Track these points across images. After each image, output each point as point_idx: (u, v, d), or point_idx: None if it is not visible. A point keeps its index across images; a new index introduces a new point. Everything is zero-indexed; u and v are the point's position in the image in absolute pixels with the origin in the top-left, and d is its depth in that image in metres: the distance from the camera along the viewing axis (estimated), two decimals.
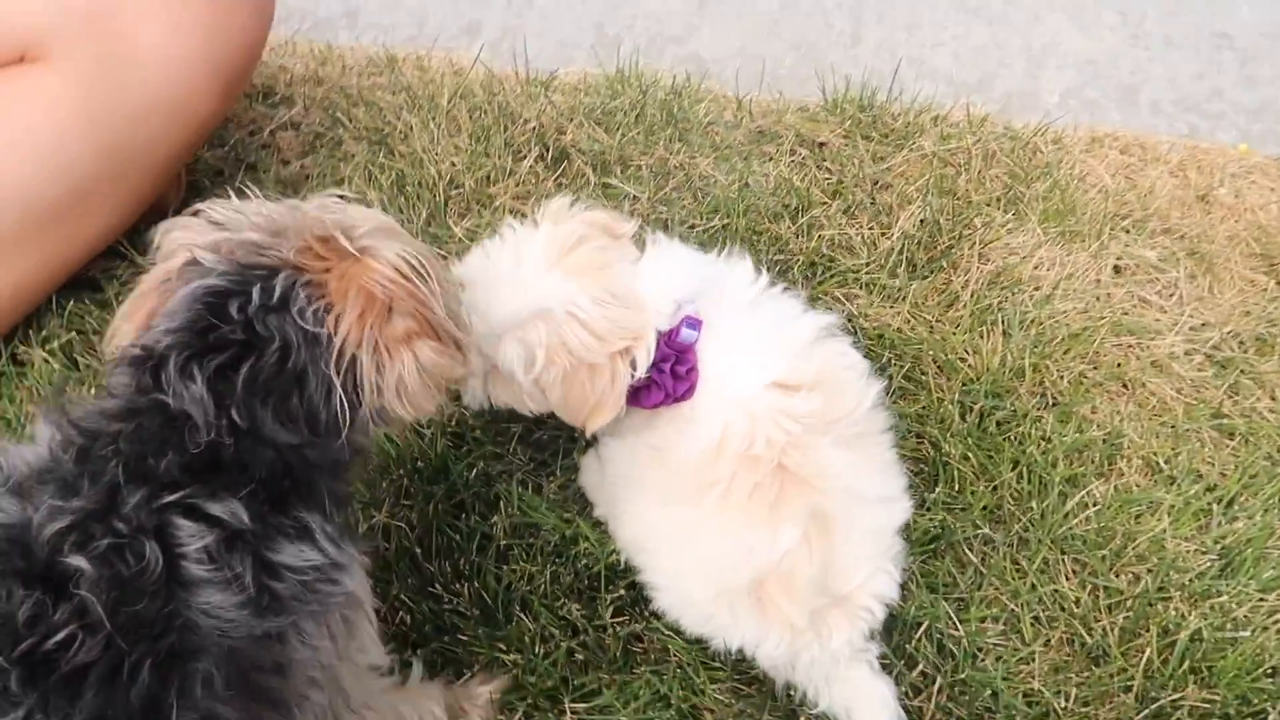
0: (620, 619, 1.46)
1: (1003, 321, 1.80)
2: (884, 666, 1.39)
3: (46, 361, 1.63)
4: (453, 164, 1.92)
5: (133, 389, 0.91)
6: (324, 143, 1.98)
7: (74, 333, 1.68)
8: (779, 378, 1.22)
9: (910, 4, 2.28)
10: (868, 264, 1.84)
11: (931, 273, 1.85)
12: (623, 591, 1.47)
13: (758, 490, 1.22)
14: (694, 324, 1.25)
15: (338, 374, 0.94)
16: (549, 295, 1.22)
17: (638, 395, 1.27)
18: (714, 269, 1.34)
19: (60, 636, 0.78)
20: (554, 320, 1.22)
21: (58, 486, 0.84)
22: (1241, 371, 1.79)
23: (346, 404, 0.94)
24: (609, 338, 1.22)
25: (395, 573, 1.48)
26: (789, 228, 1.87)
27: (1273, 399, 1.77)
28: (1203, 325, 1.84)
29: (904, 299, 1.80)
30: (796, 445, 1.21)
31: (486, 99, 2.03)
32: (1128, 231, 1.95)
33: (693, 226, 1.86)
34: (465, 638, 1.42)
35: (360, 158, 1.94)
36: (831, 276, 1.83)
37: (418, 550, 1.49)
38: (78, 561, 0.80)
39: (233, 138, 2.00)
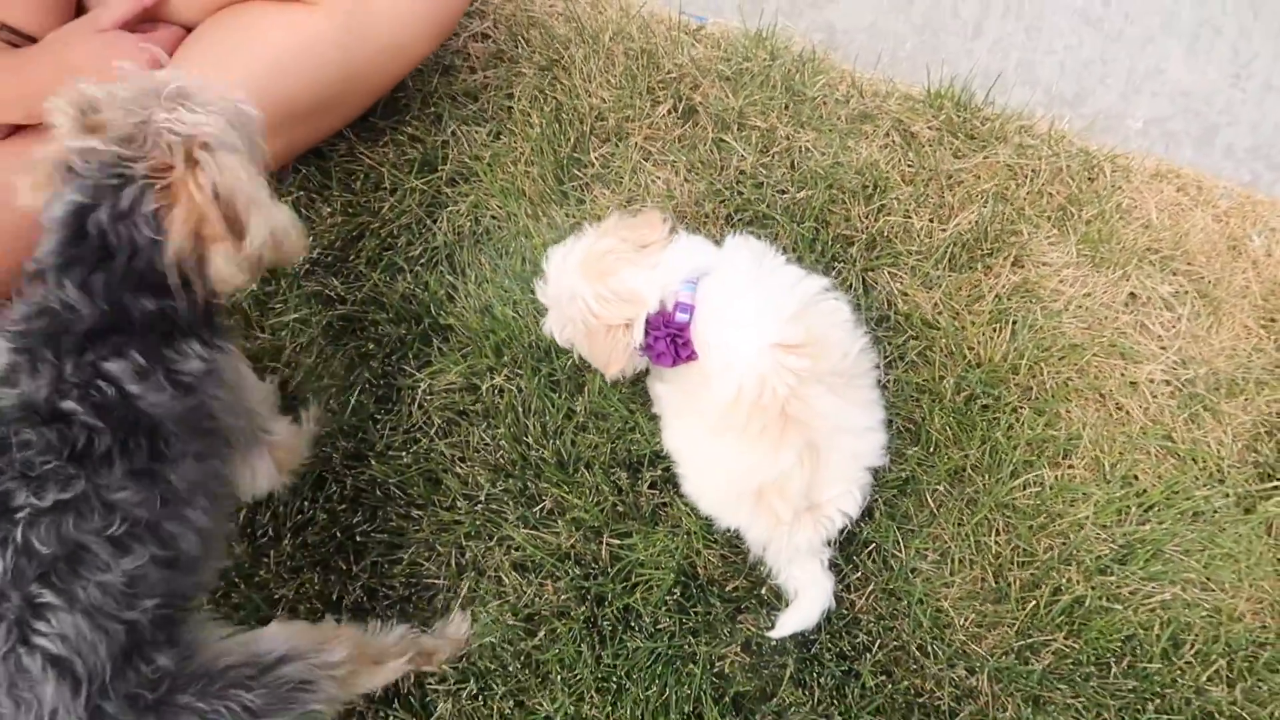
0: (654, 490, 2.02)
1: (1014, 323, 2.18)
2: (834, 567, 1.93)
3: None
4: (602, 99, 2.32)
5: (37, 295, 1.36)
6: (504, 59, 2.40)
7: None
8: (777, 340, 1.69)
9: (1039, 6, 2.47)
10: (918, 251, 2.21)
11: (969, 269, 2.21)
12: (660, 472, 2.02)
13: (765, 429, 1.72)
14: (685, 308, 1.75)
15: (172, 265, 1.37)
16: (571, 289, 1.80)
17: (657, 356, 1.79)
18: (715, 257, 1.82)
19: (83, 440, 1.28)
20: (573, 305, 1.80)
21: (28, 369, 1.32)
22: (1204, 406, 2.14)
23: (182, 285, 1.40)
24: (606, 319, 1.77)
25: (501, 420, 2.05)
26: (862, 207, 2.24)
27: (1224, 435, 2.13)
28: (1187, 360, 2.17)
29: (939, 287, 2.19)
30: (795, 395, 1.70)
31: (642, 41, 2.39)
32: (1153, 264, 2.24)
33: (783, 191, 2.25)
34: (544, 478, 2.00)
35: (529, 80, 2.35)
36: (885, 256, 2.21)
37: (519, 408, 2.06)
38: (69, 405, 1.29)
39: None
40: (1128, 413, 2.16)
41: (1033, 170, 2.30)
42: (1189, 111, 2.39)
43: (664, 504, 2.02)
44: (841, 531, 1.91)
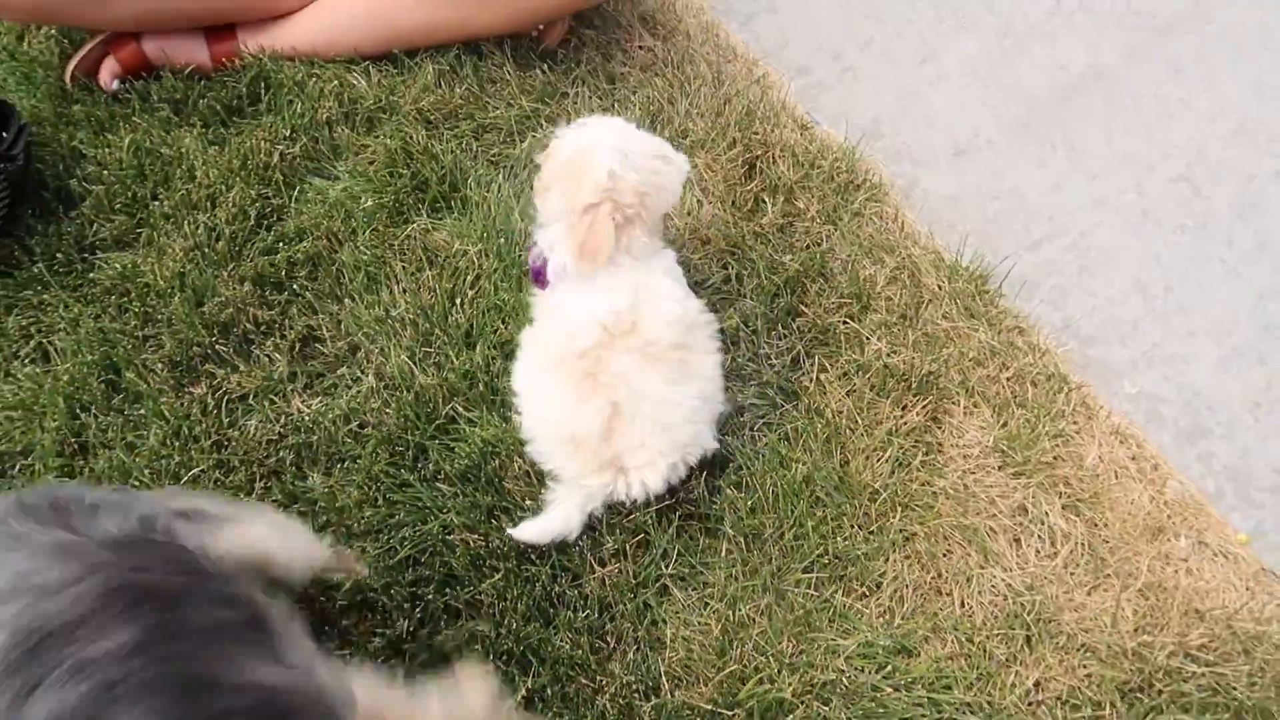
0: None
1: (897, 461, 2.20)
2: (592, 530, 2.02)
3: None
4: (694, 124, 2.69)
5: None
6: (655, 59, 2.86)
7: None
8: (606, 321, 1.93)
9: (1105, 256, 2.54)
10: (856, 360, 2.31)
11: (887, 395, 2.27)
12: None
13: (581, 383, 1.92)
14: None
15: None
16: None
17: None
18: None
19: None
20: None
21: None
22: (1026, 635, 2.02)
23: None
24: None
25: None
26: (834, 301, 2.39)
27: (1024, 674, 1.99)
28: (1035, 588, 2.07)
29: (855, 396, 2.27)
30: (599, 354, 1.90)
31: (755, 103, 2.75)
32: (1061, 495, 2.18)
33: (779, 252, 2.45)
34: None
35: (660, 82, 2.78)
36: (826, 345, 2.35)
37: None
38: None
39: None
40: (949, 595, 2.08)
41: (1002, 361, 2.35)
42: (1190, 407, 2.33)
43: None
44: (646, 505, 2.04)
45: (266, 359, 2.31)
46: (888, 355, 2.35)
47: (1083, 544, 2.15)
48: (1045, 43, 2.96)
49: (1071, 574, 2.12)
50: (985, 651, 2.02)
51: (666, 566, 2.08)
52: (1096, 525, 2.18)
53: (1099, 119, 2.80)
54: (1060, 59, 2.93)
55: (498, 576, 2.02)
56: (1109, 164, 2.72)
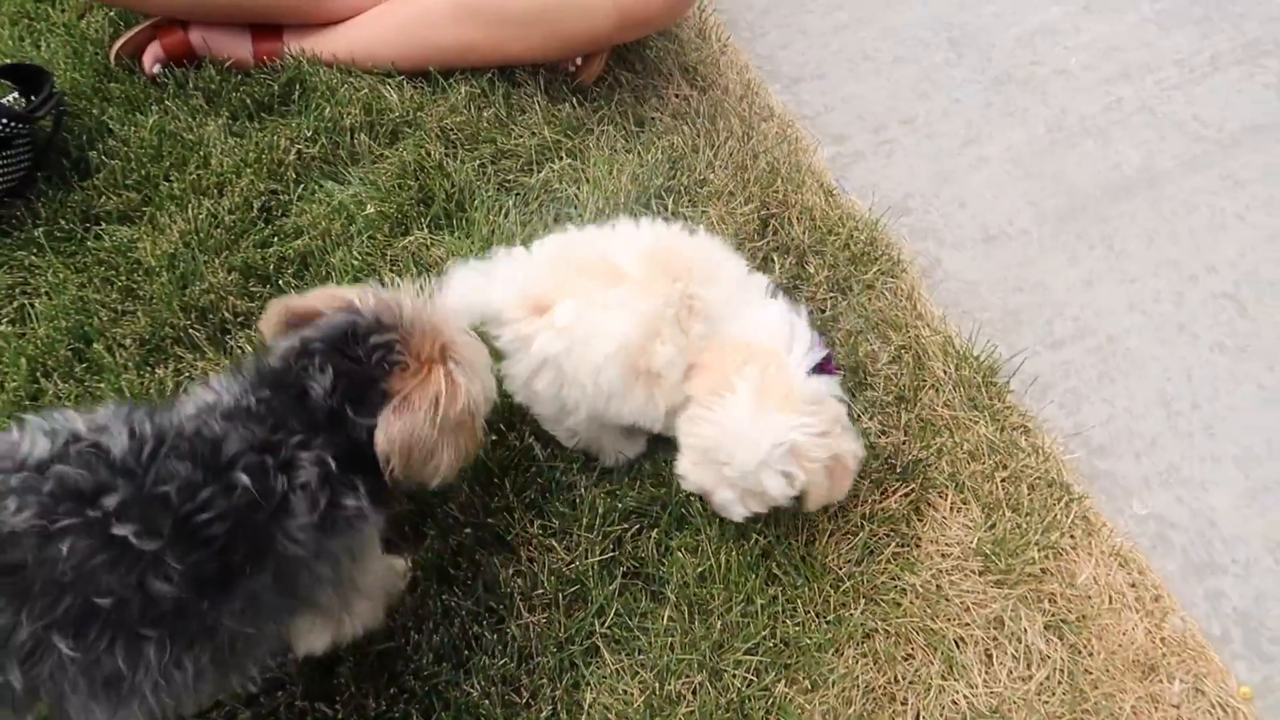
0: None
1: (869, 549, 2.03)
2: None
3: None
4: (714, 174, 2.61)
5: (288, 364, 1.46)
6: (687, 103, 2.81)
7: None
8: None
9: (1130, 365, 2.35)
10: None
11: (868, 479, 2.11)
12: None
13: None
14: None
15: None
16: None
17: None
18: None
19: (206, 515, 1.24)
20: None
21: (242, 420, 1.37)
22: None
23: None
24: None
25: None
26: None
27: None
28: (993, 708, 1.86)
29: None
30: None
31: (779, 160, 2.66)
32: (1044, 613, 1.97)
33: None
34: None
35: (688, 124, 2.72)
36: None
37: None
38: (241, 478, 1.28)
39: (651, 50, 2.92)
40: (903, 704, 1.88)
41: (1000, 459, 2.16)
42: (1203, 538, 2.11)
43: None
44: (588, 554, 1.89)
45: (237, 349, 2.26)
46: (876, 435, 2.19)
47: (1062, 670, 1.93)
48: (1098, 139, 2.83)
49: (1045, 703, 1.90)
50: None
51: (600, 624, 1.92)
52: (1080, 652, 1.96)
53: (1144, 222, 2.64)
54: (1112, 158, 2.79)
55: (417, 599, 1.91)
56: (1148, 269, 2.55)
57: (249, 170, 2.58)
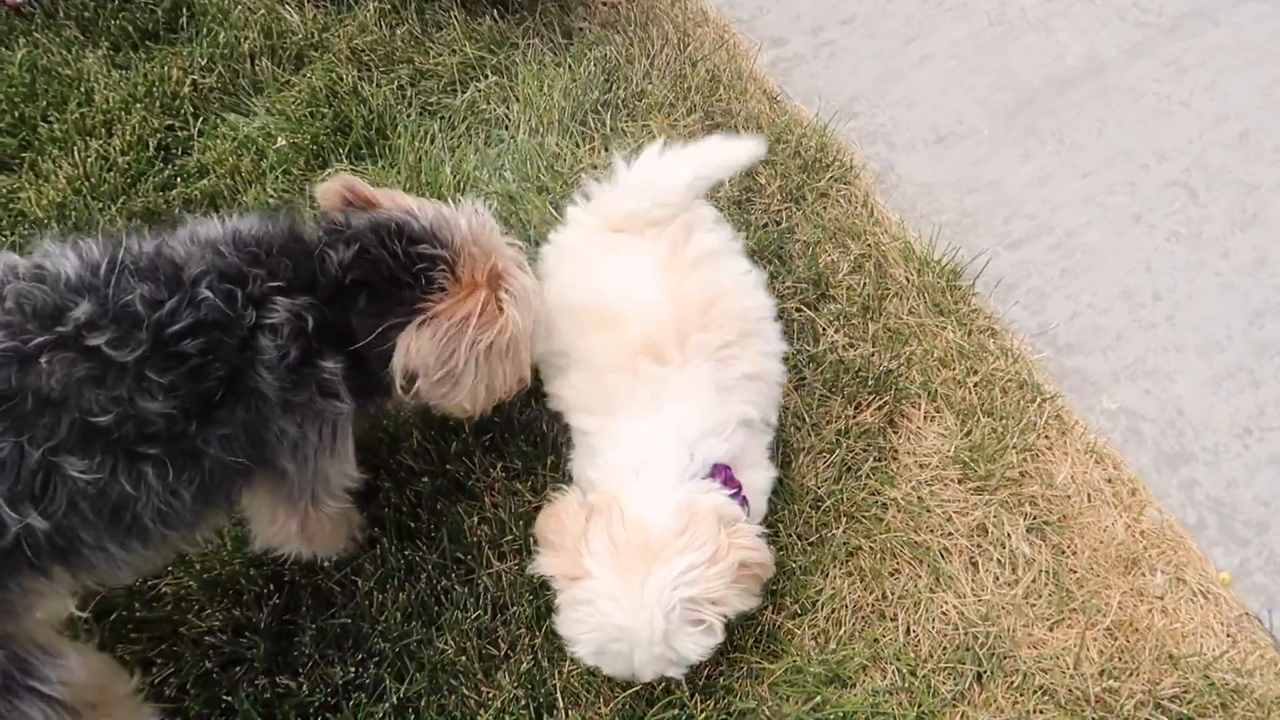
0: None
1: (846, 466, 1.96)
2: None
3: None
4: (652, 86, 2.45)
5: (321, 233, 1.44)
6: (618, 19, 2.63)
7: None
8: None
9: (1090, 260, 2.32)
10: (809, 353, 2.07)
11: (840, 393, 2.03)
12: None
13: None
14: None
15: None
16: None
17: None
18: None
19: (178, 327, 1.22)
20: None
21: (214, 250, 1.32)
22: (977, 670, 1.78)
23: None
24: None
25: None
26: (789, 284, 2.15)
27: (970, 713, 1.75)
28: (984, 616, 1.83)
29: (804, 392, 2.03)
30: None
31: (722, 68, 2.52)
32: (1025, 515, 1.94)
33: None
34: None
35: (620, 40, 2.55)
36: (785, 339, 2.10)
37: None
38: (204, 293, 1.25)
39: None
40: (893, 620, 1.83)
41: (970, 364, 2.11)
42: (1174, 429, 2.10)
43: None
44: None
45: None
46: (844, 348, 2.11)
47: (1047, 572, 1.90)
48: (1041, 32, 2.74)
49: (1033, 605, 1.87)
50: (929, 687, 1.76)
51: None
52: (1064, 552, 1.93)
53: (1092, 113, 2.58)
54: (1056, 49, 2.71)
55: (376, 560, 1.77)
56: (1100, 161, 2.49)
57: (139, 106, 2.31)
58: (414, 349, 1.40)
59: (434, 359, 1.40)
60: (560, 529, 1.54)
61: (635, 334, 1.64)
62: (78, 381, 1.17)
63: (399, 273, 1.40)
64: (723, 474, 1.59)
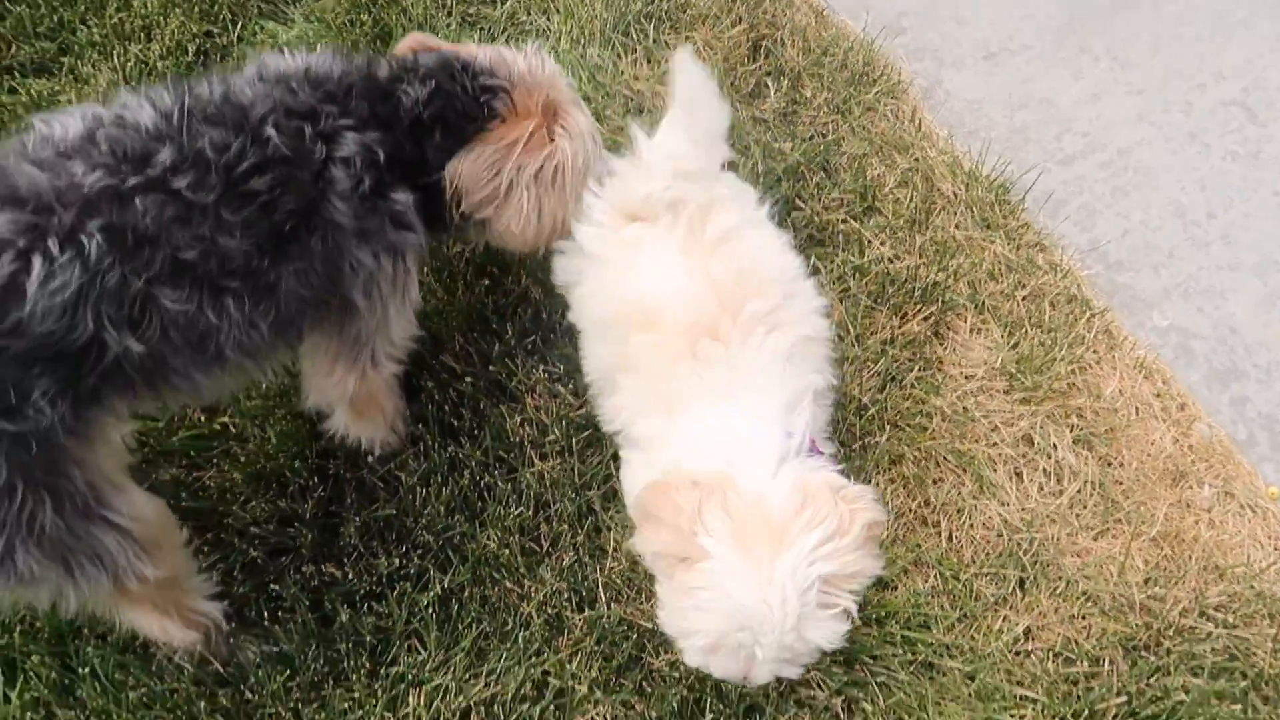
0: None
1: (891, 376, 1.94)
2: None
3: None
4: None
5: (391, 69, 1.50)
6: None
7: None
8: None
9: (1142, 177, 2.26)
10: (854, 263, 2.04)
11: (886, 304, 2.01)
12: None
13: None
14: None
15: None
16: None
17: None
18: None
19: (244, 166, 1.28)
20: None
21: (285, 87, 1.39)
22: (1020, 577, 1.76)
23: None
24: None
25: None
26: (834, 198, 2.12)
27: (1012, 617, 1.73)
28: (1027, 523, 1.81)
29: (850, 302, 2.00)
30: None
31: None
32: (1072, 428, 1.91)
33: (776, 142, 2.18)
34: None
35: None
36: (823, 248, 2.07)
37: None
38: (268, 131, 1.31)
39: None
40: (935, 527, 1.82)
41: (1018, 278, 2.07)
42: (1225, 346, 2.06)
43: None
44: None
45: None
46: (890, 260, 2.07)
47: (1093, 483, 1.88)
48: None
49: (1078, 515, 1.86)
50: (972, 591, 1.76)
51: (617, 467, 1.82)
52: (1110, 464, 1.91)
53: (1148, 33, 2.50)
54: None
55: (419, 456, 1.78)
56: (1155, 79, 2.42)
57: (178, 11, 2.29)
58: (461, 170, 1.48)
59: (477, 180, 1.48)
60: (670, 504, 1.36)
61: (680, 323, 1.52)
62: (168, 221, 1.23)
63: (469, 106, 1.49)
64: (815, 449, 1.49)
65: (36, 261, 1.13)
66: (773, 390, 1.49)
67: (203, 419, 1.83)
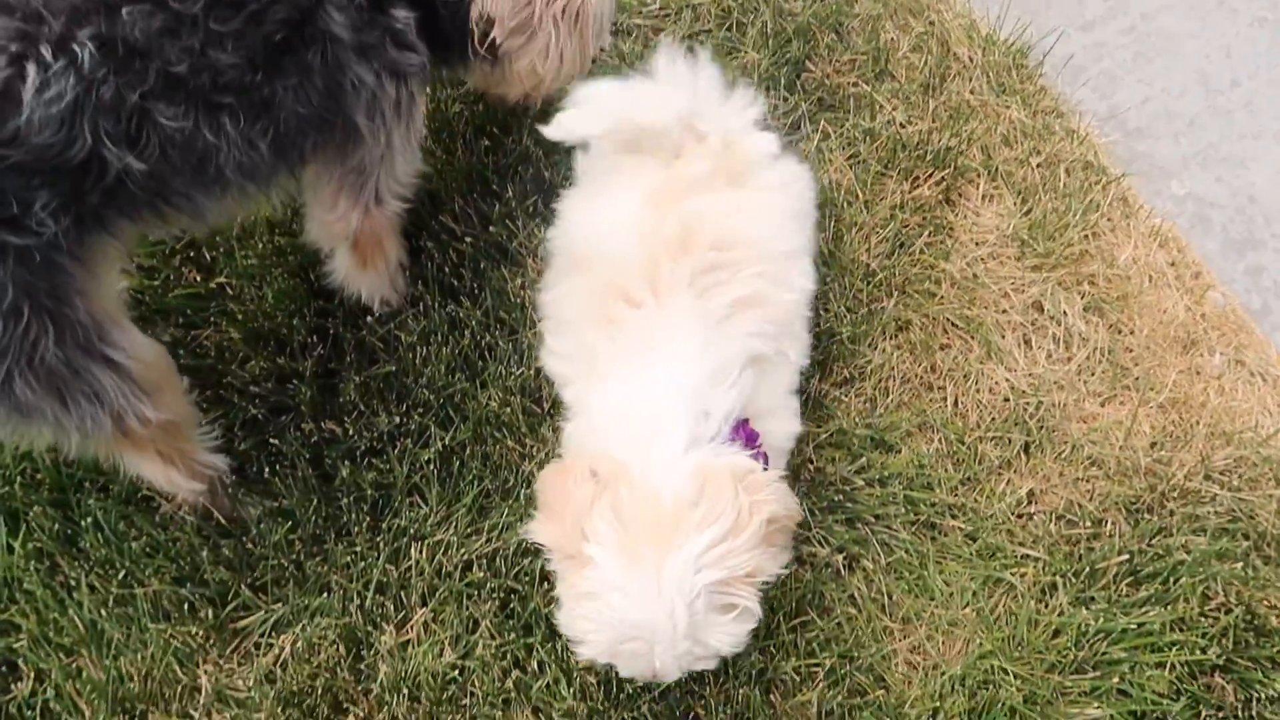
0: None
1: (900, 241, 1.90)
2: None
3: None
4: None
5: None
6: None
7: None
8: None
9: (1166, 44, 2.18)
10: (866, 127, 1.98)
11: (897, 169, 1.95)
12: None
13: None
14: None
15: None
16: None
17: None
18: None
19: None
20: None
21: None
22: (1026, 440, 1.76)
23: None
24: None
25: None
26: (847, 59, 2.05)
27: (1017, 481, 1.73)
28: (1034, 388, 1.79)
29: (860, 166, 1.95)
30: None
31: None
32: (1082, 295, 1.88)
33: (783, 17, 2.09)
34: None
35: None
36: (835, 113, 2.01)
37: None
38: None
39: None
40: (940, 391, 1.81)
41: (1034, 145, 2.01)
42: (1243, 216, 2.02)
43: None
44: None
45: None
46: (902, 125, 2.01)
47: (1102, 350, 1.86)
48: None
49: (1085, 382, 1.84)
50: (976, 454, 1.75)
51: None
52: (1121, 331, 1.88)
53: None
54: None
55: (419, 316, 1.75)
56: None
57: None
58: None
59: (510, 9, 1.42)
60: (563, 495, 1.29)
61: (601, 276, 1.41)
62: (157, 32, 1.17)
63: None
64: (744, 431, 1.37)
65: (31, 69, 1.09)
66: (693, 362, 1.35)
67: (199, 278, 1.80)
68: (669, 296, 1.37)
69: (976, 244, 1.93)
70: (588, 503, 1.25)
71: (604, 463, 1.29)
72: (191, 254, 1.82)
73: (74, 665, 1.53)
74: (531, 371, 1.74)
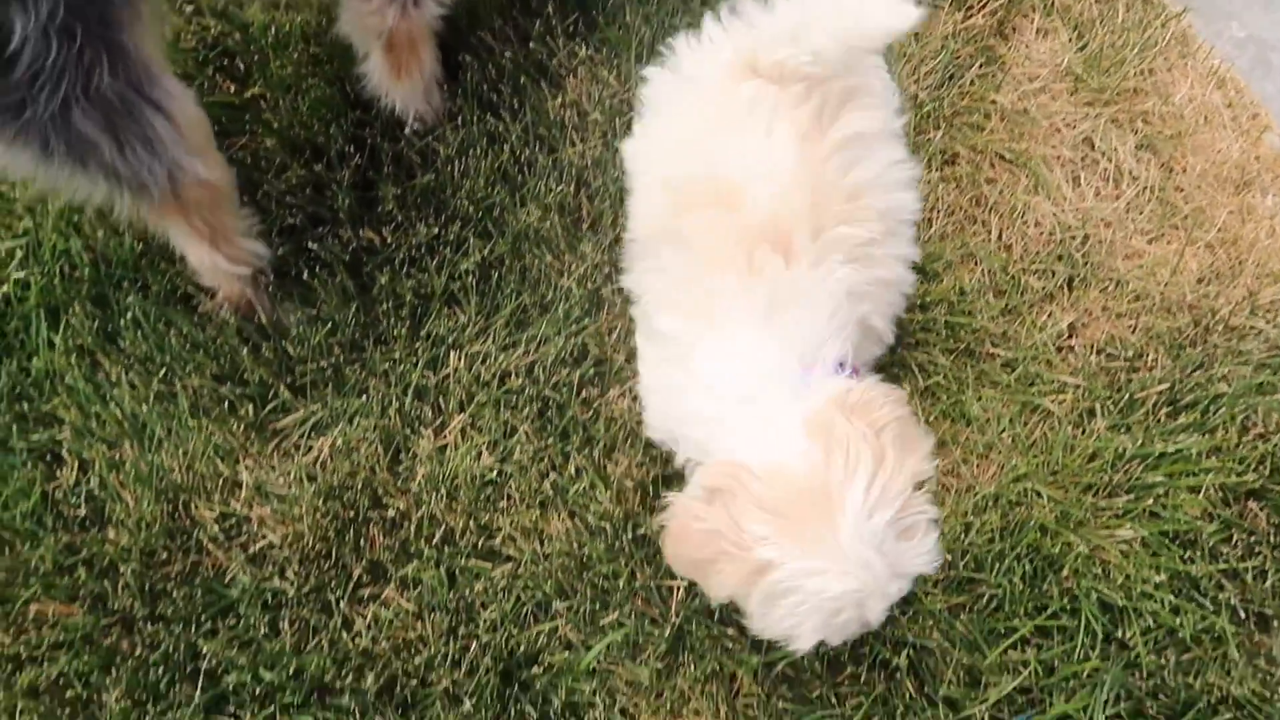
0: None
1: (951, 72, 1.84)
2: None
3: None
4: None
5: None
6: None
7: None
8: None
9: None
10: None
11: (945, 1, 1.89)
12: None
13: None
14: None
15: None
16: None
17: None
18: None
19: None
20: None
21: None
22: (1070, 274, 1.73)
23: None
24: None
25: None
26: None
27: (1058, 312, 1.71)
28: (1080, 222, 1.76)
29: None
30: None
31: None
32: (1136, 132, 1.84)
33: None
34: None
35: None
36: None
37: None
38: None
39: None
40: (985, 224, 1.78)
41: None
42: None
43: None
44: None
45: None
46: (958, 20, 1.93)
47: (1152, 188, 1.81)
48: None
49: (1134, 219, 1.80)
50: (1019, 285, 1.72)
51: None
52: (1173, 170, 1.84)
53: None
54: None
55: (456, 129, 1.71)
56: None
57: None
58: None
59: None
60: (700, 542, 1.23)
61: (755, 215, 1.29)
62: None
63: None
64: (849, 369, 1.32)
65: None
66: (814, 322, 1.30)
67: (233, 89, 1.77)
68: (826, 258, 1.30)
69: (1029, 78, 1.87)
70: (726, 523, 1.20)
71: (713, 475, 1.24)
72: (225, 63, 1.79)
73: (116, 456, 1.55)
74: (570, 189, 1.71)
